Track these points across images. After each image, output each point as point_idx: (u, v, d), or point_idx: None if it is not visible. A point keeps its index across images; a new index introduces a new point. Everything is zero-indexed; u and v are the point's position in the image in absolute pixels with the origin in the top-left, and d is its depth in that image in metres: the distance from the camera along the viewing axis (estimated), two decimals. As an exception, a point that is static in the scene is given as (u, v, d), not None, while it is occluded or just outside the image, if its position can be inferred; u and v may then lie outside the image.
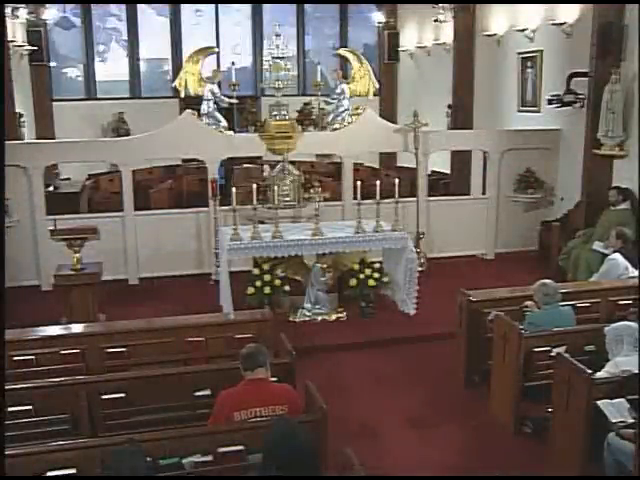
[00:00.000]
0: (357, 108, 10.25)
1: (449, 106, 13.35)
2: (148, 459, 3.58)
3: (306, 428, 3.31)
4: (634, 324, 5.06)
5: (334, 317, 7.97)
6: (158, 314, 6.76)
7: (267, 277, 7.71)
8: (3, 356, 4.77)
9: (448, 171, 13.01)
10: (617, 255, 7.06)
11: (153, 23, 16.78)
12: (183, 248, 9.44)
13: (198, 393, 4.74)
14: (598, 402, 4.59)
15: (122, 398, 4.66)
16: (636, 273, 6.82)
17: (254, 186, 7.96)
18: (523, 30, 10.93)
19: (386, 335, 7.55)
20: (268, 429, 3.30)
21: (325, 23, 18.00)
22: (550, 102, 9.87)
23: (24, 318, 6.35)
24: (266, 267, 7.81)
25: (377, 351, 7.17)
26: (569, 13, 9.95)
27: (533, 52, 10.92)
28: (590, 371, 4.66)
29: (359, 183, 8.00)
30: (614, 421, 4.48)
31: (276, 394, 4.21)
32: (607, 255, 7.45)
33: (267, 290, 7.68)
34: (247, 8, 17.27)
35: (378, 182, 8.10)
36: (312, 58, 17.30)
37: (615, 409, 4.53)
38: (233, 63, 9.97)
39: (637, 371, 4.65)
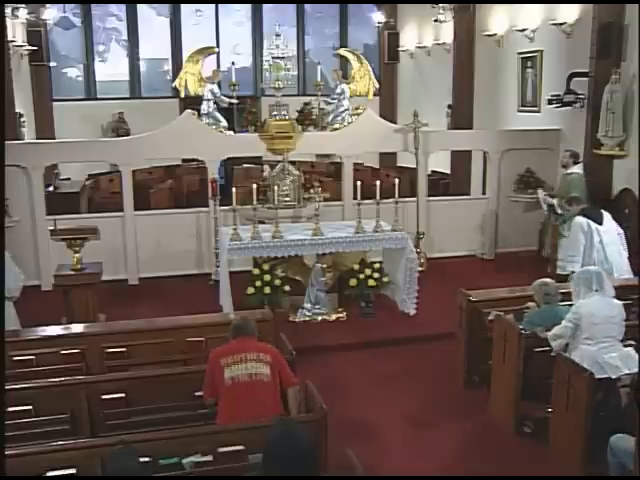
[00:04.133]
0: (357, 108, 10.25)
1: (449, 106, 13.35)
2: (147, 459, 3.58)
3: (306, 428, 3.31)
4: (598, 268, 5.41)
5: (334, 317, 7.97)
6: (158, 314, 6.76)
7: (267, 277, 7.72)
8: (3, 356, 4.78)
9: (448, 171, 13.01)
10: (578, 217, 7.16)
11: (153, 23, 16.78)
12: (183, 248, 9.43)
13: (198, 393, 4.74)
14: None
15: (122, 398, 4.67)
16: (602, 229, 6.98)
17: (254, 186, 7.96)
18: (523, 30, 10.93)
19: (386, 335, 7.55)
20: (269, 429, 3.30)
21: (325, 23, 18.00)
22: (550, 102, 9.87)
23: (24, 318, 6.35)
24: (266, 267, 7.81)
25: (377, 351, 7.17)
26: (569, 13, 9.95)
27: (533, 52, 10.91)
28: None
29: (359, 183, 8.01)
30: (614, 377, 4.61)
31: (261, 345, 4.60)
32: (552, 205, 8.40)
33: (267, 290, 7.68)
34: (247, 8, 17.27)
35: (378, 182, 8.11)
36: (312, 58, 17.29)
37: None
38: (233, 63, 10.00)
39: (599, 314, 4.94)
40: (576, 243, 7.02)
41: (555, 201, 8.64)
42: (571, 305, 5.94)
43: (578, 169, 8.69)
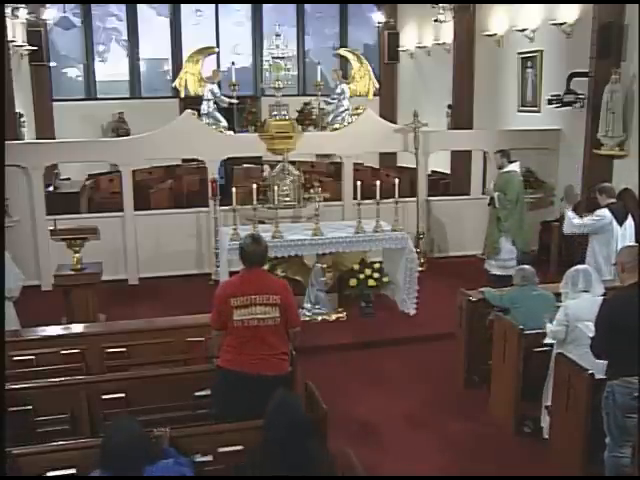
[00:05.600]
0: (357, 108, 10.25)
1: (449, 106, 13.35)
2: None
3: (301, 399, 3.59)
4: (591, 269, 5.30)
5: (334, 317, 7.97)
6: (158, 314, 6.76)
7: (267, 277, 7.70)
8: (3, 356, 4.77)
9: (448, 171, 13.01)
10: (605, 210, 7.08)
11: (153, 23, 16.78)
12: (183, 248, 9.43)
13: (198, 393, 4.74)
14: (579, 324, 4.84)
15: (122, 398, 4.67)
16: (619, 230, 6.98)
17: (254, 186, 7.96)
18: (523, 30, 10.94)
19: (386, 335, 7.55)
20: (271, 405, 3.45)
21: (325, 23, 18.00)
22: (550, 102, 9.87)
23: (24, 318, 6.35)
24: (266, 267, 7.78)
25: (377, 351, 7.17)
26: (569, 13, 9.96)
27: (533, 52, 10.92)
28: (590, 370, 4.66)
29: (359, 183, 8.01)
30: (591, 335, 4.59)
31: (271, 284, 4.52)
32: (492, 197, 8.53)
33: (267, 290, 7.67)
34: (247, 8, 17.27)
35: (378, 182, 8.11)
36: (312, 58, 17.30)
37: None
38: (233, 63, 10.00)
39: (585, 317, 4.79)
40: (586, 228, 7.07)
41: (495, 195, 8.62)
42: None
43: (514, 167, 8.70)
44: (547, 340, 5.21)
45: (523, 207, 8.73)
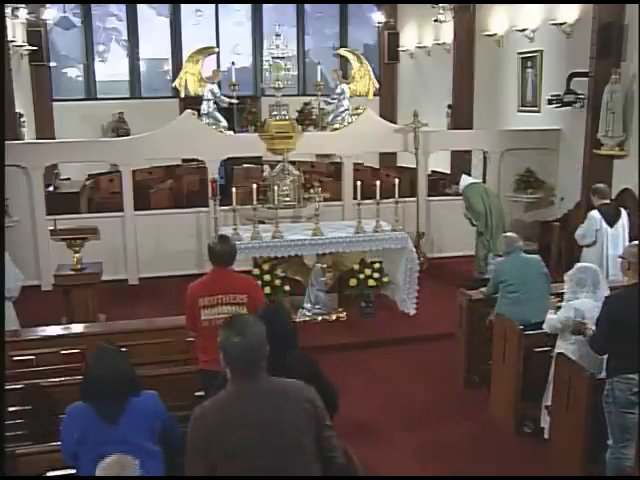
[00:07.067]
0: (357, 108, 10.26)
1: (449, 106, 13.36)
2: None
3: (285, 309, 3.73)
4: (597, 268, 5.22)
5: (334, 317, 7.97)
6: (158, 314, 6.75)
7: (267, 277, 7.72)
8: (3, 356, 4.78)
9: (448, 171, 13.01)
10: (594, 212, 7.19)
11: (153, 23, 16.77)
12: (183, 248, 9.43)
13: (198, 393, 4.73)
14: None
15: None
16: (610, 231, 7.05)
17: (254, 186, 7.96)
18: (523, 30, 10.94)
19: (386, 335, 7.55)
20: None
21: (325, 23, 18.00)
22: (550, 102, 9.87)
23: (24, 318, 6.35)
24: (266, 267, 7.81)
25: (377, 351, 7.17)
26: (569, 13, 9.96)
27: (533, 52, 10.92)
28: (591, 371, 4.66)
29: (359, 183, 8.01)
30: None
31: (238, 284, 4.58)
32: None
33: (267, 290, 7.67)
34: (247, 8, 17.27)
35: (378, 182, 8.11)
36: (312, 58, 17.29)
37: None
38: (233, 63, 10.00)
39: (590, 314, 4.74)
40: (586, 238, 7.16)
41: (469, 215, 8.91)
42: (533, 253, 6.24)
43: (469, 180, 8.85)
44: (544, 327, 5.20)
45: (494, 215, 8.76)
